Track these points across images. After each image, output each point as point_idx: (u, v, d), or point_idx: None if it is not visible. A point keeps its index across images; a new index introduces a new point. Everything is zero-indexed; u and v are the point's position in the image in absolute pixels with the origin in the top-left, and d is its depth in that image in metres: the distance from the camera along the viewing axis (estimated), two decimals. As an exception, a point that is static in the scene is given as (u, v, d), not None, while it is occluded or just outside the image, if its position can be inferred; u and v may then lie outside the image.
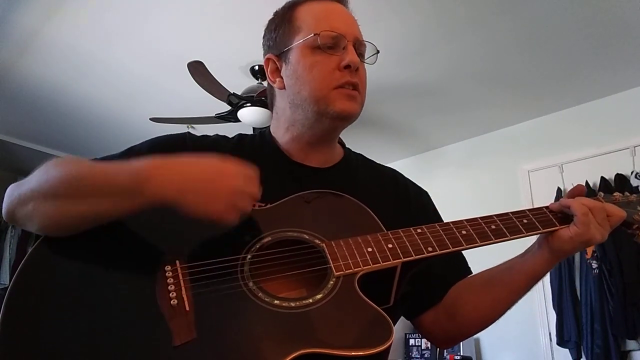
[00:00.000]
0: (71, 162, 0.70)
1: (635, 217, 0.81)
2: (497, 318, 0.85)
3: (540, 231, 0.77)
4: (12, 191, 0.70)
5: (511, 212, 0.79)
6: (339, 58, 0.82)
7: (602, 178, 2.92)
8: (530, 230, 0.77)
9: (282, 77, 0.87)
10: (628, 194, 0.84)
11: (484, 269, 0.88)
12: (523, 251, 0.84)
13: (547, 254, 0.78)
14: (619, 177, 2.88)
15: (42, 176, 0.68)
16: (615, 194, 0.84)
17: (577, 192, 0.82)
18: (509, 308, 0.83)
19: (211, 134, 0.93)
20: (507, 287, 0.82)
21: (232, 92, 2.69)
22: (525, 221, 0.77)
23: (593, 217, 0.75)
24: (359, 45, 0.85)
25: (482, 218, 0.78)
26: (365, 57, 0.89)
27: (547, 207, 0.80)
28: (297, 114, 0.86)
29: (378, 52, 0.89)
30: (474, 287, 0.86)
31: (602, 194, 0.84)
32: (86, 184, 0.65)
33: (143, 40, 2.61)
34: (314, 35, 0.82)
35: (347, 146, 0.99)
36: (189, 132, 0.89)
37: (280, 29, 0.88)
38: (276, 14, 0.90)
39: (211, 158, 0.67)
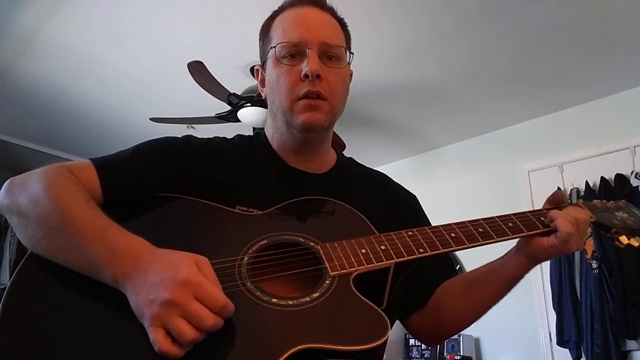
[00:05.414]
0: (62, 199, 0.67)
1: (613, 221, 0.86)
2: (478, 318, 0.87)
3: (525, 234, 0.80)
4: (6, 191, 0.71)
5: (497, 216, 0.82)
6: (301, 67, 0.82)
7: (602, 178, 2.92)
8: (515, 232, 0.80)
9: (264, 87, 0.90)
10: (605, 202, 0.90)
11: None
12: (503, 253, 0.86)
13: (523, 258, 0.81)
14: (619, 177, 2.87)
15: (30, 201, 0.67)
16: (594, 201, 0.90)
17: (556, 199, 0.86)
18: (489, 308, 0.86)
19: (211, 136, 0.94)
20: (487, 289, 0.85)
21: (232, 92, 2.69)
22: (510, 224, 0.80)
23: (576, 231, 0.78)
24: (327, 49, 0.84)
25: (469, 222, 0.81)
26: (349, 58, 0.89)
27: (530, 212, 0.83)
28: (276, 121, 0.89)
29: (352, 53, 0.90)
30: (456, 290, 0.89)
31: (581, 201, 0.89)
32: (64, 238, 0.64)
33: (143, 40, 2.62)
34: (272, 48, 0.85)
35: (346, 146, 1.00)
36: (193, 136, 0.90)
37: (261, 39, 0.91)
38: (262, 24, 0.92)
39: (179, 263, 0.59)
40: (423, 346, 3.48)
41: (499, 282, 0.83)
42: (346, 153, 1.03)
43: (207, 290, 0.57)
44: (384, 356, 0.82)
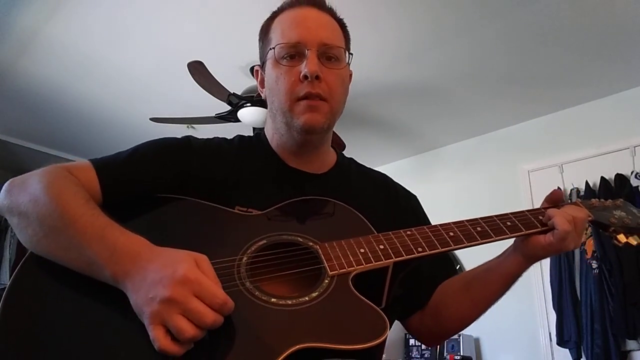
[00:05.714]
0: (62, 199, 0.67)
1: (611, 220, 0.86)
2: (477, 317, 0.87)
3: (523, 232, 0.80)
4: (6, 192, 0.71)
5: (495, 215, 0.82)
6: (300, 69, 0.82)
7: (602, 178, 2.92)
8: (513, 231, 0.80)
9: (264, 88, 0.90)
10: (603, 200, 0.90)
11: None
12: (501, 252, 0.86)
13: (520, 257, 0.82)
14: (619, 177, 2.87)
15: (30, 200, 0.67)
16: (592, 200, 0.90)
17: (555, 198, 0.86)
18: (488, 308, 0.86)
19: (211, 137, 0.94)
20: (485, 288, 0.85)
21: (232, 92, 2.69)
22: (509, 223, 0.81)
23: (574, 229, 0.78)
24: (326, 50, 0.84)
25: (468, 221, 0.81)
26: (348, 59, 0.89)
27: (529, 211, 0.83)
28: (275, 122, 0.89)
29: (351, 54, 0.89)
30: (454, 289, 0.89)
31: (579, 200, 0.89)
32: (64, 237, 0.64)
33: (143, 40, 2.62)
34: (271, 49, 0.85)
35: (346, 146, 1.00)
36: (192, 136, 0.90)
37: (261, 40, 0.91)
38: (262, 25, 0.92)
39: (178, 261, 0.59)
40: (423, 346, 3.47)
41: (497, 281, 0.84)
42: (346, 153, 1.04)
43: (206, 288, 0.57)
44: (384, 356, 0.82)
